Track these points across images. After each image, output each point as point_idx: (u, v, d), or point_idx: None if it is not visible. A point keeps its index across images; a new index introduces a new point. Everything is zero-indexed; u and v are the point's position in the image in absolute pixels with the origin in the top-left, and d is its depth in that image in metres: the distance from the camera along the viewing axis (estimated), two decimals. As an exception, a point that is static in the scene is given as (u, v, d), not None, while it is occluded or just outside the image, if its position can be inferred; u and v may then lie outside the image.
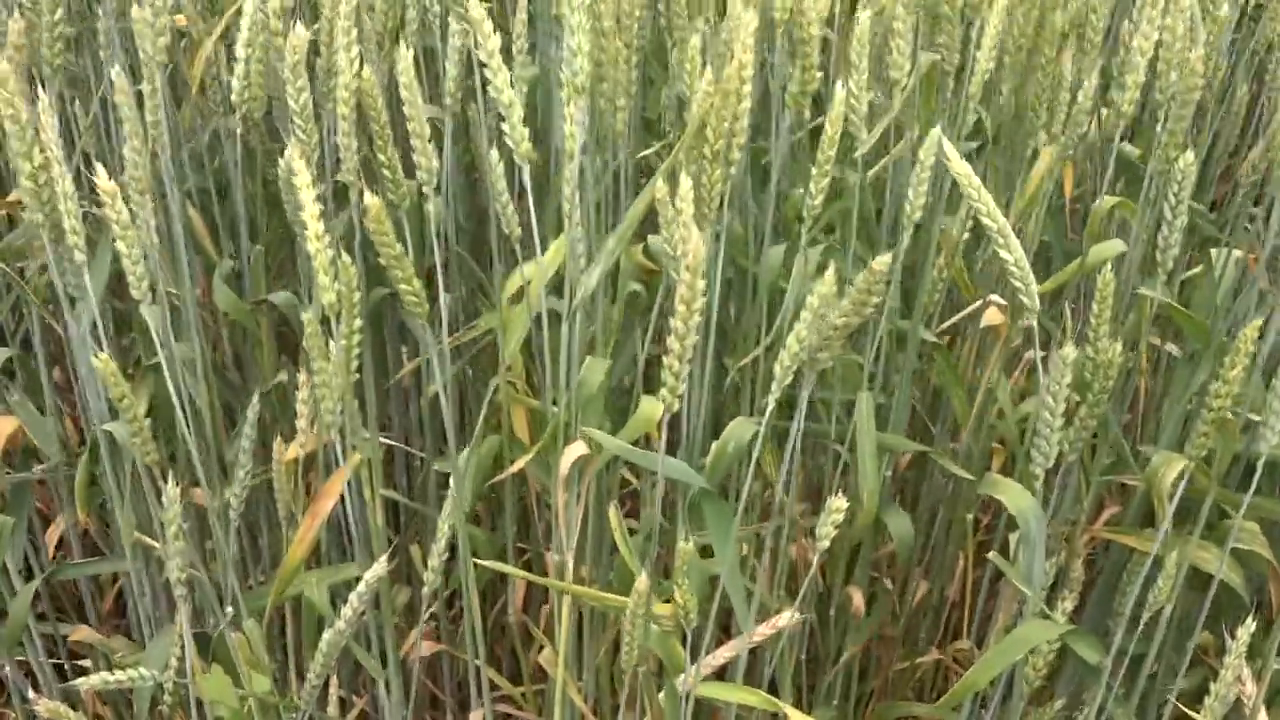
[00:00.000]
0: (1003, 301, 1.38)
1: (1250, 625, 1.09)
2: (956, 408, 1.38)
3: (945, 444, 1.46)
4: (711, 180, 0.98)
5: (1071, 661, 1.33)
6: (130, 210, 1.00)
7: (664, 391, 0.85)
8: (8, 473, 1.39)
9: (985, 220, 1.03)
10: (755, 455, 1.04)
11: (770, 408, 0.94)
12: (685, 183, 0.92)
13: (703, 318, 0.84)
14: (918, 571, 1.53)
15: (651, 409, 1.03)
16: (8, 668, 1.44)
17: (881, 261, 0.86)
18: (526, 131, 0.98)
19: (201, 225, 1.46)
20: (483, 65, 0.97)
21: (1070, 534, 1.33)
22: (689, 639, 1.09)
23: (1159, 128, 1.22)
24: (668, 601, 1.07)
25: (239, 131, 1.31)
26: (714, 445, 1.09)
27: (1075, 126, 1.32)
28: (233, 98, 1.26)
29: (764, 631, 1.13)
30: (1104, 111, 1.46)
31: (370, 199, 0.94)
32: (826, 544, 1.03)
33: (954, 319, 1.44)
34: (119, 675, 1.12)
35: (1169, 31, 1.21)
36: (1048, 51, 1.34)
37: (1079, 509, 1.33)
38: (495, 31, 0.98)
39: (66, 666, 1.53)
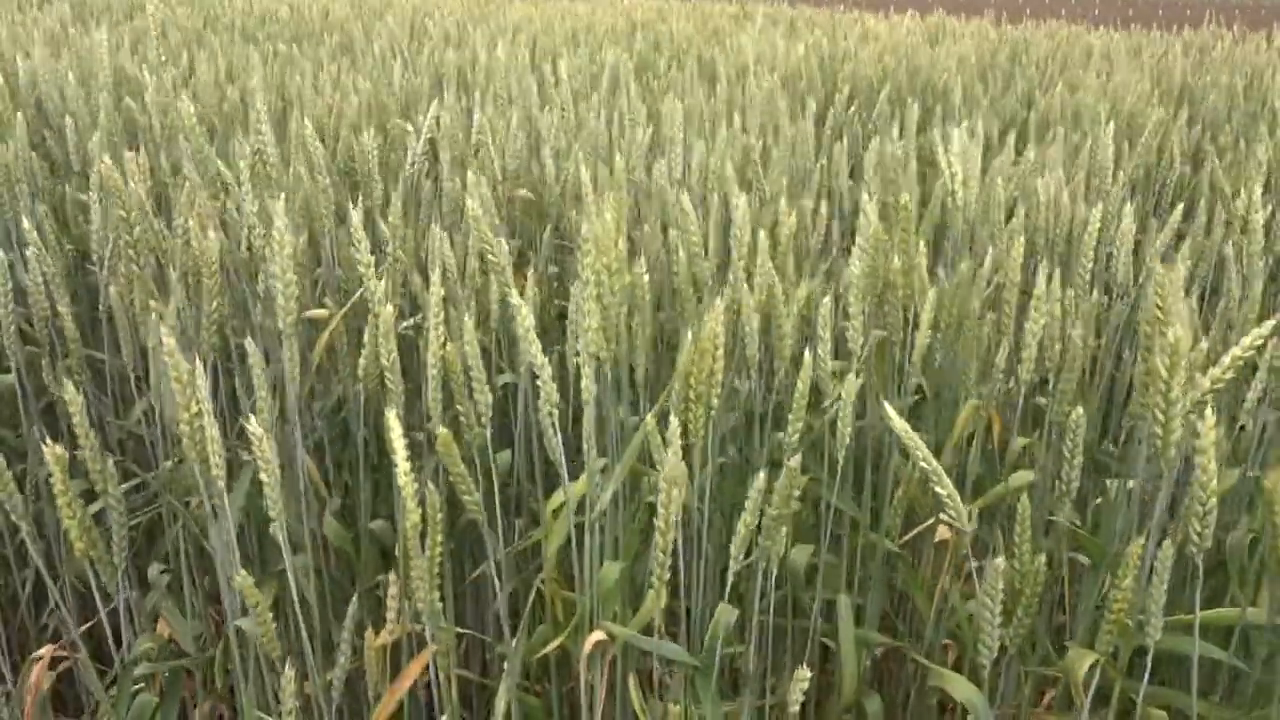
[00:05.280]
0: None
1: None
2: (920, 606, 1.68)
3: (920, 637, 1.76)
4: (695, 416, 1.31)
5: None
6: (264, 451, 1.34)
7: (654, 579, 1.17)
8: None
9: (922, 464, 1.34)
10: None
11: (730, 579, 1.26)
12: (673, 422, 1.25)
13: (680, 520, 1.16)
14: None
15: (654, 600, 1.34)
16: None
17: (795, 461, 1.19)
18: (555, 390, 1.32)
19: (314, 469, 1.82)
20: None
21: (1016, 715, 1.61)
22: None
23: (1052, 386, 1.56)
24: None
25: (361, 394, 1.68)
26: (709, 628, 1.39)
27: (990, 383, 1.66)
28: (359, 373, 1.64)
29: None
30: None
31: (441, 430, 1.28)
32: (796, 708, 1.33)
33: (910, 534, 1.75)
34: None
35: (1051, 316, 1.56)
36: (968, 325, 1.70)
37: (1020, 694, 1.61)
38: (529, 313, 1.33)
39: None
